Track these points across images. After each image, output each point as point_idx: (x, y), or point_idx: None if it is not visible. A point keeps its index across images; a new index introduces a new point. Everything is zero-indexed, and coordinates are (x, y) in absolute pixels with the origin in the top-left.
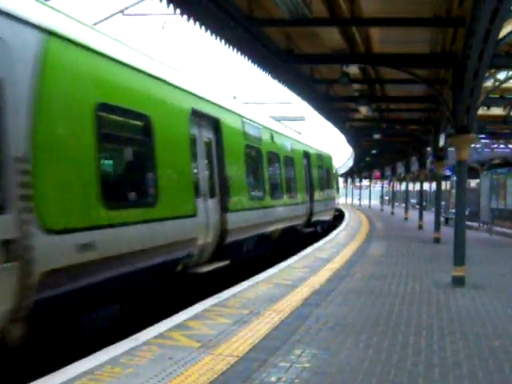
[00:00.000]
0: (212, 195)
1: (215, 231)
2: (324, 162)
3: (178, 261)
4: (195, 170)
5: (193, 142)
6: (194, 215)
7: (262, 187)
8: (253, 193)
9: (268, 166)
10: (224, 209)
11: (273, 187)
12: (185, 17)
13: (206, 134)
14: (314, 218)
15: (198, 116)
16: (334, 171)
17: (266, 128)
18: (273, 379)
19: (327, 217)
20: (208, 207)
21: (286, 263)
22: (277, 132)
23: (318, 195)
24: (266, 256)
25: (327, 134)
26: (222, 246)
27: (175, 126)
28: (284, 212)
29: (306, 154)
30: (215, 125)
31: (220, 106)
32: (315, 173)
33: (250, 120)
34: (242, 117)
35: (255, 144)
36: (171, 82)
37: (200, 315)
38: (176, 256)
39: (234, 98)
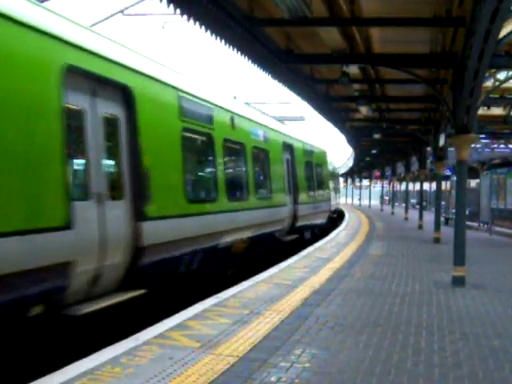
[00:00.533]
0: (115, 196)
1: (122, 249)
2: (315, 157)
3: (31, 300)
4: (77, 159)
5: (73, 115)
6: (65, 227)
7: (213, 185)
8: (196, 193)
9: (225, 157)
10: (139, 216)
11: (232, 186)
12: (185, 17)
13: (106, 108)
14: (300, 223)
15: (84, 78)
16: (332, 170)
17: (223, 109)
18: (273, 379)
19: (319, 220)
20: (104, 214)
21: (286, 263)
22: (241, 116)
23: (305, 196)
24: (228, 273)
25: (327, 133)
26: (134, 270)
27: (22, 86)
28: (252, 217)
29: (289, 147)
30: (126, 96)
31: (136, 71)
32: (302, 170)
33: (194, 96)
34: (179, 90)
35: (203, 128)
36: (14, 16)
37: (200, 315)
38: (24, 293)
39: (235, 98)
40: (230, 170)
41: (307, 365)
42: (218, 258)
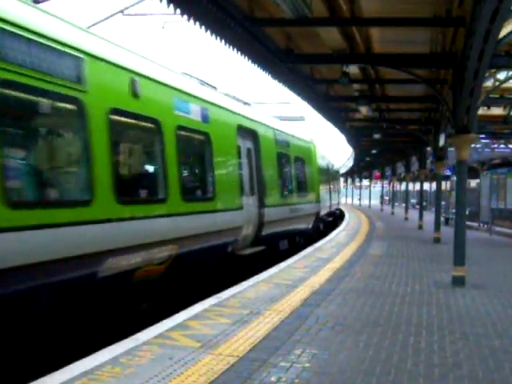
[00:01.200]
0: None
1: None
2: (295, 149)
3: None
4: None
5: None
6: None
7: (82, 180)
8: (34, 192)
9: (114, 137)
10: None
11: (128, 181)
12: (185, 17)
13: None
14: (268, 231)
15: None
16: (327, 166)
17: (111, 65)
18: (273, 379)
19: (300, 226)
20: None
21: (286, 263)
22: (153, 80)
23: (276, 197)
24: (141, 308)
25: (327, 133)
26: None
27: None
28: (173, 226)
29: (251, 134)
30: None
31: None
32: (272, 164)
33: (30, 31)
34: None
35: (57, 88)
36: None
37: (200, 315)
38: None
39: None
40: (126, 158)
41: (307, 365)
42: (102, 292)
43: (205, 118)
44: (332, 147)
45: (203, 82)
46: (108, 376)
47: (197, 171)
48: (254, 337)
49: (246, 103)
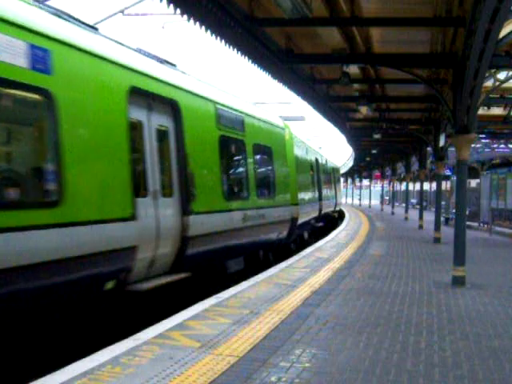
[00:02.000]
0: None
1: None
2: (255, 135)
3: None
4: None
5: None
6: None
7: None
8: None
9: None
10: None
11: None
12: (185, 17)
13: None
14: (199, 249)
15: None
16: (316, 161)
17: None
18: (273, 379)
19: (267, 236)
20: None
21: (286, 263)
22: None
23: (216, 199)
24: None
25: (327, 133)
26: None
27: None
28: None
29: (162, 104)
30: None
31: None
32: (210, 152)
33: None
34: None
35: None
36: None
37: (200, 315)
38: None
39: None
40: None
41: (307, 365)
42: None
43: (40, 65)
44: (332, 147)
45: (60, 12)
46: (108, 376)
47: (11, 155)
48: (254, 337)
49: (164, 61)
